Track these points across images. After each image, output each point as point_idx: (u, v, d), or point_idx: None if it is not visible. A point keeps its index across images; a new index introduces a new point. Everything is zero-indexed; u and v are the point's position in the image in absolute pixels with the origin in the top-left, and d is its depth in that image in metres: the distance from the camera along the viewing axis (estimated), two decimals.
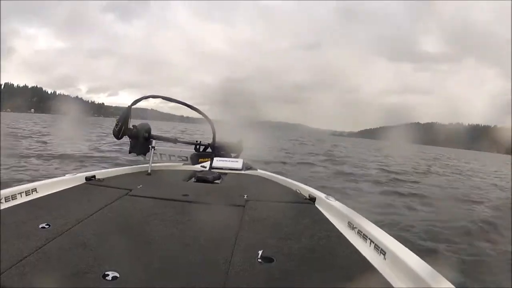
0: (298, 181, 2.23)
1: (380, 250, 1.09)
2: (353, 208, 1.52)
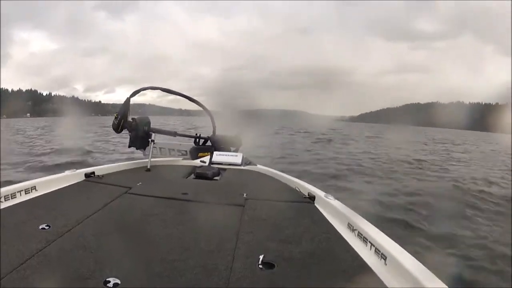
0: (297, 178, 2.18)
1: (381, 254, 1.07)
2: (352, 207, 1.47)
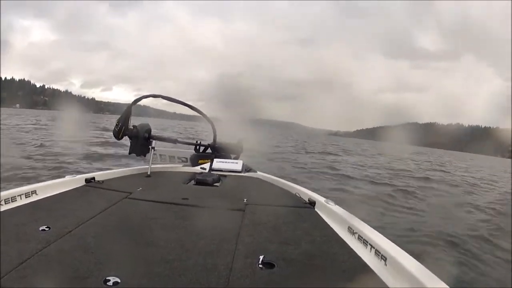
0: (298, 185, 2.17)
1: (381, 255, 1.07)
2: (353, 213, 1.46)
